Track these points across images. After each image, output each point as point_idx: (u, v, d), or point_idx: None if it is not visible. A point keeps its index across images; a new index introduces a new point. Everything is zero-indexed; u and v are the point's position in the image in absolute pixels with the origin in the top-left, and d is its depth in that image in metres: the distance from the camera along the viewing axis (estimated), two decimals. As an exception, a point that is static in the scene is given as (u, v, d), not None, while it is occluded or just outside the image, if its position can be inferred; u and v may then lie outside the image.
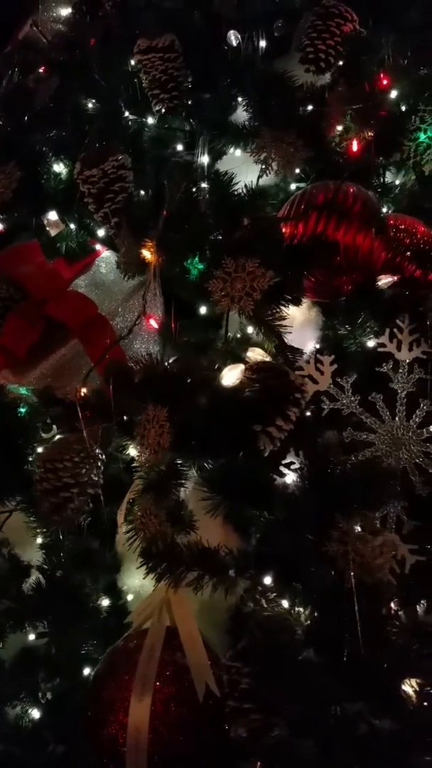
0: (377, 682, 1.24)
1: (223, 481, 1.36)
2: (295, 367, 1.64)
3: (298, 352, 1.62)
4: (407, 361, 1.70)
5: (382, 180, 1.93)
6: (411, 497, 1.60)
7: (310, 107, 1.80)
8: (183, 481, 1.41)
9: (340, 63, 1.70)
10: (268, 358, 1.61)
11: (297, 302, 1.55)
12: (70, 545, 1.70)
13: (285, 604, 1.39)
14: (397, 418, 1.66)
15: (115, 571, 1.77)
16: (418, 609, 1.55)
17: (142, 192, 1.80)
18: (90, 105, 1.96)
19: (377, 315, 1.75)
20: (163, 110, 1.83)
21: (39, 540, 1.75)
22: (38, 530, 1.72)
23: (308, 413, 1.60)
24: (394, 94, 1.78)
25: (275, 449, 1.51)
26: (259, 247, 1.47)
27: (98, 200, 1.74)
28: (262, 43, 2.07)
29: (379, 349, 1.71)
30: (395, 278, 1.88)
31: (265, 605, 1.31)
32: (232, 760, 1.35)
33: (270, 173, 1.65)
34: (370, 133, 1.73)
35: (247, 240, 1.48)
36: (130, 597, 1.77)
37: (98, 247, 2.03)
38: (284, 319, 1.60)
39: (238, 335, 1.78)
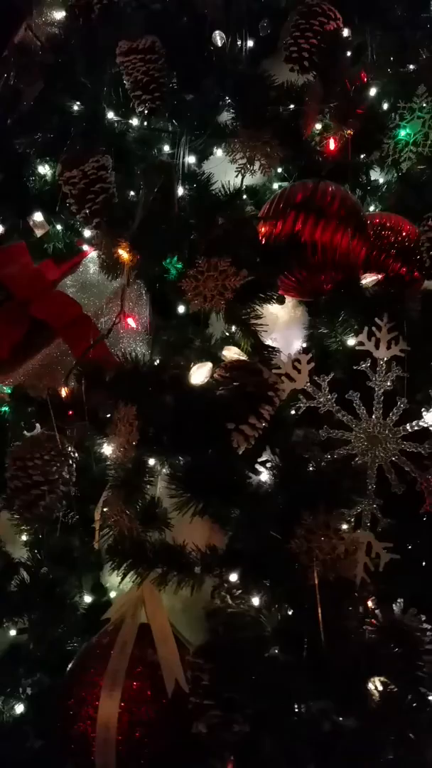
0: (341, 680, 1.23)
1: (191, 479, 1.36)
2: (273, 366, 1.64)
3: (274, 350, 1.61)
4: (385, 359, 1.69)
5: (366, 179, 1.92)
6: (387, 495, 1.59)
7: (292, 106, 1.81)
8: (152, 479, 1.41)
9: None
10: (244, 357, 1.61)
11: (271, 301, 1.54)
12: (53, 542, 1.72)
13: (256, 601, 1.40)
14: (374, 416, 1.65)
15: (98, 568, 1.80)
16: (395, 607, 1.55)
17: (132, 193, 1.81)
18: (75, 107, 1.97)
19: (357, 313, 1.75)
20: (146, 111, 1.84)
21: (24, 537, 1.77)
22: (22, 528, 1.74)
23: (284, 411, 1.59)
24: (373, 91, 1.77)
25: (250, 447, 1.51)
26: (232, 246, 1.47)
27: (79, 201, 1.76)
28: (250, 43, 2.09)
29: (357, 347, 1.71)
30: (379, 277, 1.87)
31: (231, 602, 1.31)
32: (202, 756, 1.36)
33: (246, 173, 1.64)
34: (349, 131, 1.72)
35: (220, 239, 1.48)
36: (113, 594, 1.79)
37: (85, 247, 2.05)
38: (260, 317, 1.61)
39: (226, 333, 1.79)
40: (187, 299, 1.49)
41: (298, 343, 1.92)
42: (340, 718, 1.24)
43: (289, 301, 1.97)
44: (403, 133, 1.75)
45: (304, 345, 1.88)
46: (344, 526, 1.34)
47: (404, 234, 1.91)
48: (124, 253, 1.57)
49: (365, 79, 1.74)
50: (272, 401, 1.52)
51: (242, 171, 1.65)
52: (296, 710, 1.25)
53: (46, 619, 1.58)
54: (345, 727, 1.23)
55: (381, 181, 1.97)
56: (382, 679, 1.28)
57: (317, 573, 1.25)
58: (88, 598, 1.79)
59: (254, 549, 1.32)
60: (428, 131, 1.73)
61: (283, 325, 2.01)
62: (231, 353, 1.61)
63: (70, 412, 1.54)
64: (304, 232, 1.69)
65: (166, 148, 1.94)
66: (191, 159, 1.92)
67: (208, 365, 1.49)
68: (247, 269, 1.51)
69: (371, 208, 2.10)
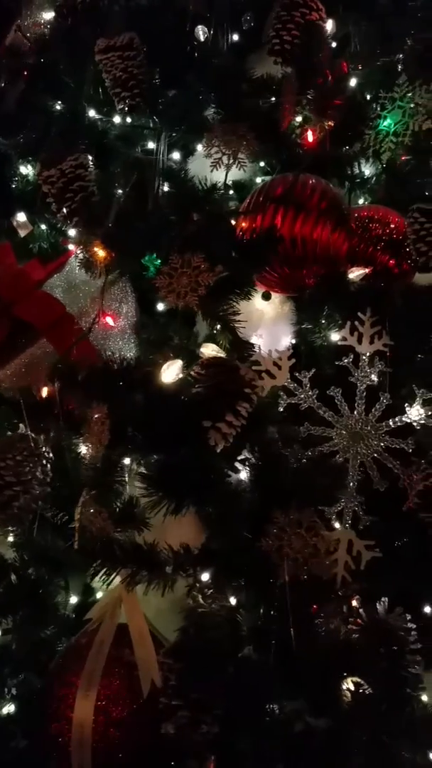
0: (313, 681, 1.21)
1: (162, 478, 1.35)
2: (252, 362, 1.62)
3: (253, 346, 1.60)
4: (368, 354, 1.66)
5: (351, 171, 1.89)
6: (369, 492, 1.57)
7: (273, 99, 1.79)
8: (123, 478, 1.40)
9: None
10: (222, 354, 1.59)
11: (248, 297, 1.52)
12: (39, 543, 1.72)
13: (229, 601, 1.39)
14: (355, 412, 1.63)
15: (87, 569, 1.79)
16: (378, 607, 1.52)
17: (120, 191, 1.80)
18: (58, 107, 1.97)
19: (341, 308, 1.72)
20: (126, 109, 1.83)
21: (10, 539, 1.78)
22: (9, 529, 1.75)
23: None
24: (355, 82, 1.74)
25: (228, 445, 1.49)
26: (207, 242, 1.45)
27: (59, 200, 1.75)
28: (235, 37, 2.07)
29: (340, 342, 1.68)
30: (367, 270, 1.85)
31: (202, 602, 1.30)
32: (179, 757, 1.35)
33: (221, 167, 1.63)
34: (329, 123, 1.69)
35: (194, 235, 1.47)
36: (99, 594, 1.78)
37: (71, 246, 2.04)
38: (238, 314, 1.59)
39: (214, 331, 1.78)
40: (161, 296, 1.46)
41: (286, 340, 1.90)
42: (313, 719, 1.20)
43: (277, 296, 1.95)
44: (385, 123, 1.72)
45: (293, 341, 1.85)
46: (319, 524, 1.30)
47: (392, 226, 1.88)
48: (99, 251, 1.55)
49: (346, 70, 1.70)
50: (249, 398, 1.50)
51: (217, 165, 1.62)
52: (269, 711, 1.22)
53: (28, 620, 1.57)
54: (316, 727, 1.19)
55: (368, 173, 1.93)
56: (356, 679, 1.25)
57: (287, 571, 1.22)
58: (74, 599, 1.79)
59: (227, 548, 1.30)
60: (408, 121, 1.70)
61: (270, 321, 1.99)
62: (209, 350, 1.59)
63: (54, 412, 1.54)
64: (284, 225, 1.67)
65: (151, 145, 1.93)
66: (176, 155, 1.92)
67: (178, 363, 1.48)
68: (222, 265, 1.49)
69: (360, 201, 2.07)
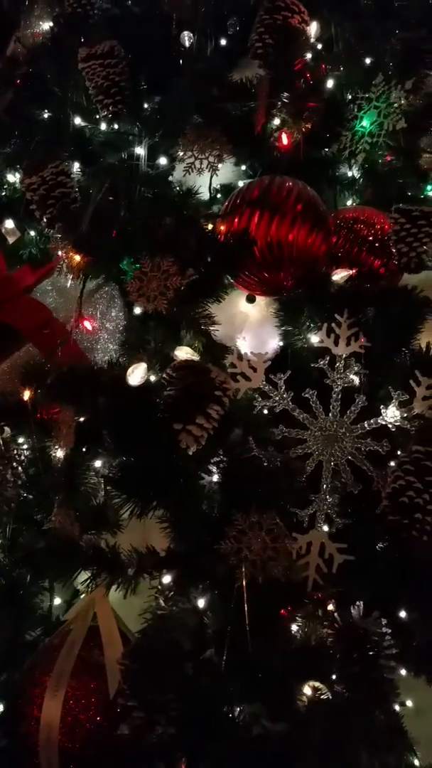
0: (270, 684, 1.21)
1: (126, 480, 1.36)
2: (227, 365, 1.62)
3: (227, 349, 1.60)
4: (344, 355, 1.65)
5: (334, 172, 1.89)
6: (342, 494, 1.56)
7: (252, 103, 1.79)
8: (89, 480, 1.42)
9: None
10: (195, 357, 1.60)
11: (219, 300, 1.53)
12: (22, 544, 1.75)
13: (192, 603, 1.39)
14: (330, 414, 1.62)
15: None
16: (353, 611, 1.51)
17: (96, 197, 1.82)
18: (45, 115, 2.00)
19: (321, 310, 1.71)
20: (109, 116, 1.86)
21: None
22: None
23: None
24: (333, 84, 1.74)
25: (200, 447, 1.50)
26: (177, 246, 1.47)
27: (41, 206, 1.78)
28: (222, 42, 2.08)
29: (316, 344, 1.68)
30: (352, 272, 1.84)
31: (163, 603, 1.31)
32: (148, 758, 1.36)
33: (193, 172, 1.64)
34: (306, 125, 1.69)
35: (164, 239, 1.48)
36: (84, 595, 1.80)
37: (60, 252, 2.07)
38: (211, 317, 1.59)
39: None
40: (132, 300, 1.48)
41: (273, 342, 1.90)
42: (270, 723, 1.20)
43: (262, 299, 1.95)
44: (365, 123, 1.71)
45: (281, 344, 1.85)
46: (281, 526, 1.30)
47: (377, 227, 1.88)
48: (75, 256, 1.57)
49: (324, 72, 1.70)
50: (220, 401, 1.51)
51: (190, 170, 1.63)
52: (225, 714, 1.22)
53: (6, 620, 1.59)
54: (273, 732, 1.19)
55: (351, 174, 1.92)
56: (315, 684, 1.24)
57: (245, 574, 1.22)
58: (57, 600, 1.81)
59: (189, 550, 1.30)
60: (383, 121, 1.68)
61: (255, 323, 1.99)
62: (183, 353, 1.60)
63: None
64: (259, 228, 1.67)
65: (138, 151, 1.95)
66: (162, 161, 1.93)
67: (143, 366, 1.49)
68: (193, 268, 1.50)
69: (348, 202, 2.06)
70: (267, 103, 1.63)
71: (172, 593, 1.32)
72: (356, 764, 1.22)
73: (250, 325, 1.97)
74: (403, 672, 1.60)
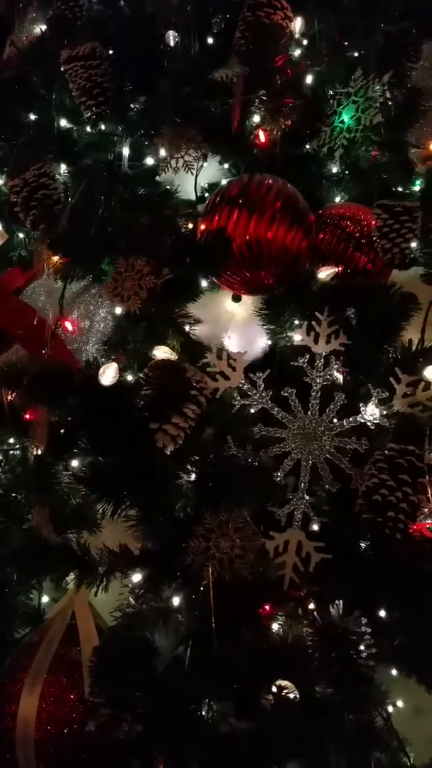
0: (236, 683, 1.21)
1: (96, 479, 1.37)
2: (205, 364, 1.62)
3: (205, 348, 1.60)
4: (324, 353, 1.64)
5: (317, 169, 1.88)
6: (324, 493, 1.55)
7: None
8: (59, 480, 1.43)
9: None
10: (173, 356, 1.60)
11: (195, 299, 1.53)
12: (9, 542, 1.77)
13: (176, 601, 1.40)
14: (309, 413, 1.61)
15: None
16: (332, 609, 1.50)
17: (74, 198, 1.83)
18: (32, 117, 2.02)
19: (301, 308, 1.71)
20: (93, 117, 1.86)
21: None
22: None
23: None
24: (313, 80, 1.73)
25: (176, 446, 1.50)
26: (150, 245, 1.47)
27: (24, 209, 1.79)
28: (210, 40, 2.08)
29: (296, 342, 1.67)
30: (338, 269, 1.82)
31: (134, 602, 1.31)
32: (124, 755, 1.37)
33: (169, 170, 1.64)
34: (285, 122, 1.69)
35: (139, 239, 1.49)
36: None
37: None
38: (189, 316, 1.60)
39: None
40: (109, 299, 1.49)
41: (261, 341, 1.89)
42: (237, 722, 1.20)
43: (249, 298, 1.95)
44: (344, 118, 1.69)
45: (269, 342, 1.85)
46: (250, 524, 1.30)
47: (364, 223, 1.86)
48: (55, 257, 1.59)
49: (304, 69, 1.69)
50: (197, 400, 1.51)
51: (165, 169, 1.64)
52: (196, 712, 1.23)
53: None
54: (239, 730, 1.19)
55: (336, 170, 1.90)
56: (283, 683, 1.24)
57: (212, 572, 1.22)
58: (45, 598, 1.82)
59: (162, 549, 1.31)
60: (361, 116, 1.67)
61: (242, 322, 1.99)
62: (161, 353, 1.60)
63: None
64: (237, 227, 1.67)
65: (124, 151, 1.96)
66: (149, 161, 1.94)
67: (113, 365, 1.49)
68: (169, 268, 1.50)
69: (337, 199, 2.05)
70: (243, 100, 1.62)
71: (142, 591, 1.32)
72: (325, 764, 1.21)
73: (236, 324, 1.97)
74: (394, 672, 1.61)
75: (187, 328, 1.81)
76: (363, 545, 1.53)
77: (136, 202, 1.61)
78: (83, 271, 1.63)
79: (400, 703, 1.75)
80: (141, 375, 1.53)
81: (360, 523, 1.46)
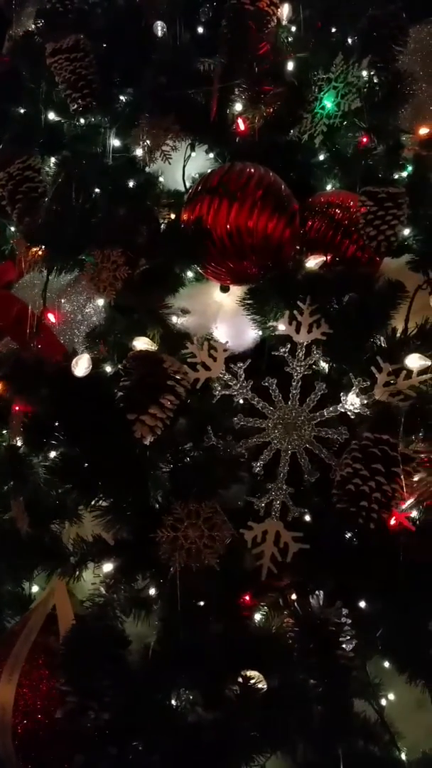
0: (203, 672, 1.21)
1: (66, 469, 1.37)
2: (186, 354, 1.62)
3: (185, 339, 1.60)
4: (305, 343, 1.63)
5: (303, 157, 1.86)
6: (299, 483, 1.54)
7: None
8: (36, 471, 1.44)
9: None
10: (153, 347, 1.60)
11: (173, 291, 1.53)
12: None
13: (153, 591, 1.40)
14: (290, 402, 1.60)
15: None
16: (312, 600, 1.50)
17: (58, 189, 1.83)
18: (22, 111, 2.03)
19: (285, 298, 1.69)
20: (79, 109, 1.87)
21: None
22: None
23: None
24: (300, 65, 1.71)
25: (155, 437, 1.50)
26: (126, 237, 1.47)
27: (10, 202, 1.80)
28: (200, 30, 2.07)
29: (277, 332, 1.66)
30: (327, 258, 1.81)
31: (105, 591, 1.32)
32: (100, 743, 1.38)
33: (149, 161, 1.64)
34: (267, 110, 1.67)
35: (116, 230, 1.49)
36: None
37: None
38: (168, 307, 1.59)
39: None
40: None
41: (252, 332, 1.88)
42: (204, 711, 1.20)
43: (238, 289, 1.94)
44: (325, 104, 1.67)
45: (260, 332, 1.84)
46: (220, 514, 1.30)
47: (353, 211, 1.84)
48: (35, 249, 1.59)
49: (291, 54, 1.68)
50: (174, 390, 1.51)
51: (145, 159, 1.63)
52: (165, 701, 1.23)
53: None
54: (206, 720, 1.19)
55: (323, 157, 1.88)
56: (251, 673, 1.24)
57: (179, 562, 1.22)
58: (35, 588, 1.84)
59: (135, 539, 1.31)
60: (341, 101, 1.65)
61: (231, 313, 1.98)
62: (141, 343, 1.60)
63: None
64: (218, 216, 1.66)
65: (113, 143, 1.96)
66: (138, 152, 1.94)
67: (85, 356, 1.49)
68: (147, 258, 1.50)
69: (328, 187, 2.03)
70: (223, 88, 1.60)
71: (113, 581, 1.33)
72: (291, 754, 1.21)
73: (225, 314, 1.96)
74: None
75: (174, 319, 1.83)
76: (343, 535, 1.53)
77: (116, 193, 1.60)
78: (63, 263, 1.62)
79: (396, 696, 1.74)
80: (120, 366, 1.53)
81: (335, 513, 1.45)
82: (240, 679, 1.21)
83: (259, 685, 1.24)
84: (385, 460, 1.36)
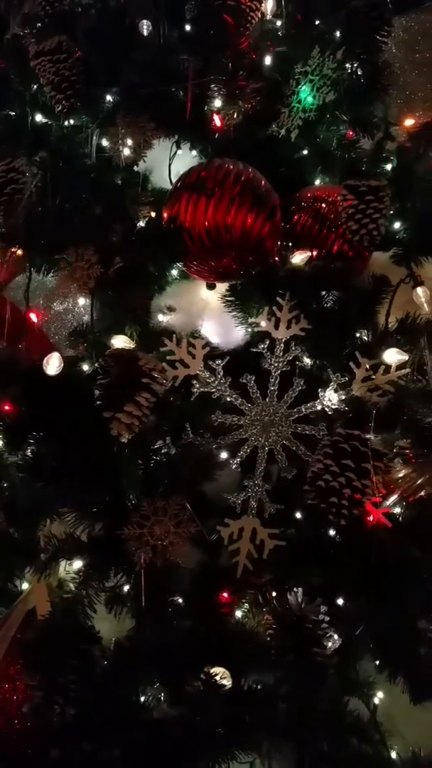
0: (167, 668, 1.21)
1: (39, 467, 1.39)
2: (165, 352, 1.62)
3: (162, 337, 1.60)
4: (284, 339, 1.62)
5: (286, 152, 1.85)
6: (276, 480, 1.54)
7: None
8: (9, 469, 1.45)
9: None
10: (131, 345, 1.61)
11: (149, 287, 1.53)
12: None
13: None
14: (267, 399, 1.59)
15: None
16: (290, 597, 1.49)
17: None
18: (11, 113, 2.05)
19: (266, 294, 1.69)
20: (64, 110, 1.88)
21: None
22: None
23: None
24: (269, 60, 1.70)
25: (132, 435, 1.50)
26: (100, 236, 1.48)
27: (-7, 203, 1.83)
28: (187, 27, 2.07)
29: (256, 329, 1.66)
30: (312, 253, 1.80)
31: (74, 587, 1.33)
32: (75, 738, 1.39)
33: (121, 159, 1.64)
34: (246, 105, 1.67)
35: (88, 228, 1.49)
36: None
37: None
38: (146, 305, 1.60)
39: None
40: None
41: (239, 330, 1.88)
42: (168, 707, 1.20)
43: (224, 286, 1.93)
44: (303, 98, 1.66)
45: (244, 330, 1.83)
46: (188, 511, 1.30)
47: (338, 205, 1.82)
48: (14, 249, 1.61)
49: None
50: (149, 388, 1.51)
51: (116, 156, 1.64)
52: (132, 696, 1.24)
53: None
54: (170, 716, 1.20)
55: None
56: (216, 669, 1.23)
57: (144, 559, 1.23)
58: (25, 585, 1.86)
59: (107, 536, 1.32)
60: (316, 94, 1.63)
61: (217, 310, 1.98)
62: (119, 342, 1.61)
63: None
64: (197, 213, 1.65)
65: (104, 142, 1.97)
66: (126, 151, 1.94)
67: (56, 355, 1.50)
68: (122, 257, 1.51)
69: (317, 182, 2.01)
70: (199, 85, 1.60)
71: (83, 577, 1.34)
72: (255, 751, 1.21)
73: (211, 312, 1.96)
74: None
75: (161, 317, 1.83)
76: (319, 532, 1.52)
77: (94, 192, 1.61)
78: (41, 263, 1.64)
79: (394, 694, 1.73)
80: (96, 365, 1.53)
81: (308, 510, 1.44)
82: (202, 676, 1.21)
83: (224, 682, 1.23)
84: (356, 456, 1.35)
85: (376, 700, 1.70)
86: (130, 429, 1.49)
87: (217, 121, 1.65)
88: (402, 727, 1.80)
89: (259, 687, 1.27)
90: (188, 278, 1.88)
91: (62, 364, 1.48)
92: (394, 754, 1.66)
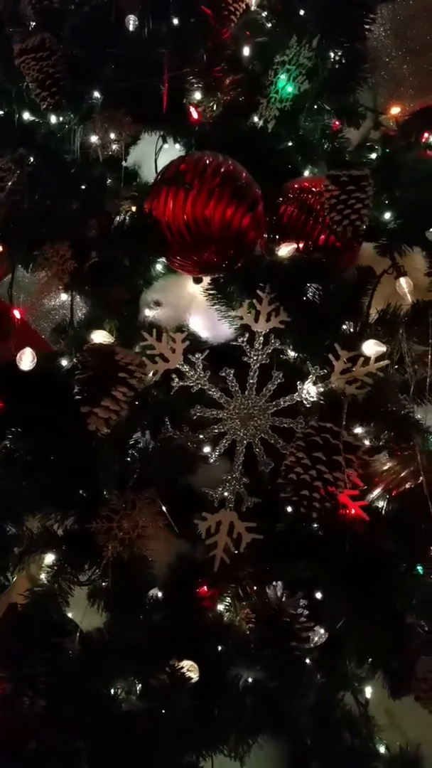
0: (138, 661, 1.22)
1: (8, 461, 1.40)
2: (145, 346, 1.63)
3: (141, 331, 1.60)
4: (263, 332, 1.61)
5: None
6: (253, 473, 1.53)
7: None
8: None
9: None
10: (110, 340, 1.61)
11: (126, 282, 1.53)
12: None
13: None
14: (246, 392, 1.58)
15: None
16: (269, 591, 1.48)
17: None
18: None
19: (249, 287, 1.68)
20: (50, 108, 1.89)
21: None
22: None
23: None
24: (248, 51, 1.69)
25: (108, 430, 1.51)
26: (75, 230, 1.49)
27: (-22, 202, 1.84)
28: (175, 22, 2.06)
29: (240, 322, 1.65)
30: (298, 245, 1.79)
31: (47, 581, 1.34)
32: (53, 731, 1.40)
33: (102, 153, 1.64)
34: (225, 97, 1.66)
35: (63, 222, 1.50)
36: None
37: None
38: (124, 300, 1.60)
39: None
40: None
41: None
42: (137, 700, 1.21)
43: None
44: (280, 88, 1.65)
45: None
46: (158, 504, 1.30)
47: (324, 195, 1.80)
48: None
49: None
50: (126, 383, 1.51)
51: (97, 151, 1.64)
52: (103, 688, 1.24)
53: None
54: (140, 708, 1.20)
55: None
56: (186, 663, 1.23)
57: (112, 552, 1.23)
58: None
59: (80, 530, 1.33)
60: (294, 84, 1.61)
61: (204, 304, 1.97)
62: (98, 336, 1.62)
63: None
64: (175, 207, 1.65)
65: (94, 139, 1.97)
66: (114, 146, 1.95)
67: (28, 350, 1.51)
68: (97, 252, 1.51)
69: (305, 173, 1.99)
70: (175, 78, 1.60)
71: (55, 570, 1.35)
72: (223, 744, 1.20)
73: (199, 306, 1.95)
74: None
75: (147, 311, 1.84)
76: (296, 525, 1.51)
77: (72, 188, 1.62)
78: (22, 260, 1.65)
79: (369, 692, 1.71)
80: (74, 359, 1.54)
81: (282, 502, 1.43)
82: (167, 669, 1.21)
83: (190, 675, 1.23)
84: (327, 449, 1.33)
85: (368, 695, 1.69)
86: (108, 423, 1.49)
87: (194, 113, 1.64)
88: (401, 722, 1.79)
89: (227, 680, 1.26)
90: (175, 273, 1.88)
91: (35, 359, 1.49)
92: (382, 749, 1.64)
